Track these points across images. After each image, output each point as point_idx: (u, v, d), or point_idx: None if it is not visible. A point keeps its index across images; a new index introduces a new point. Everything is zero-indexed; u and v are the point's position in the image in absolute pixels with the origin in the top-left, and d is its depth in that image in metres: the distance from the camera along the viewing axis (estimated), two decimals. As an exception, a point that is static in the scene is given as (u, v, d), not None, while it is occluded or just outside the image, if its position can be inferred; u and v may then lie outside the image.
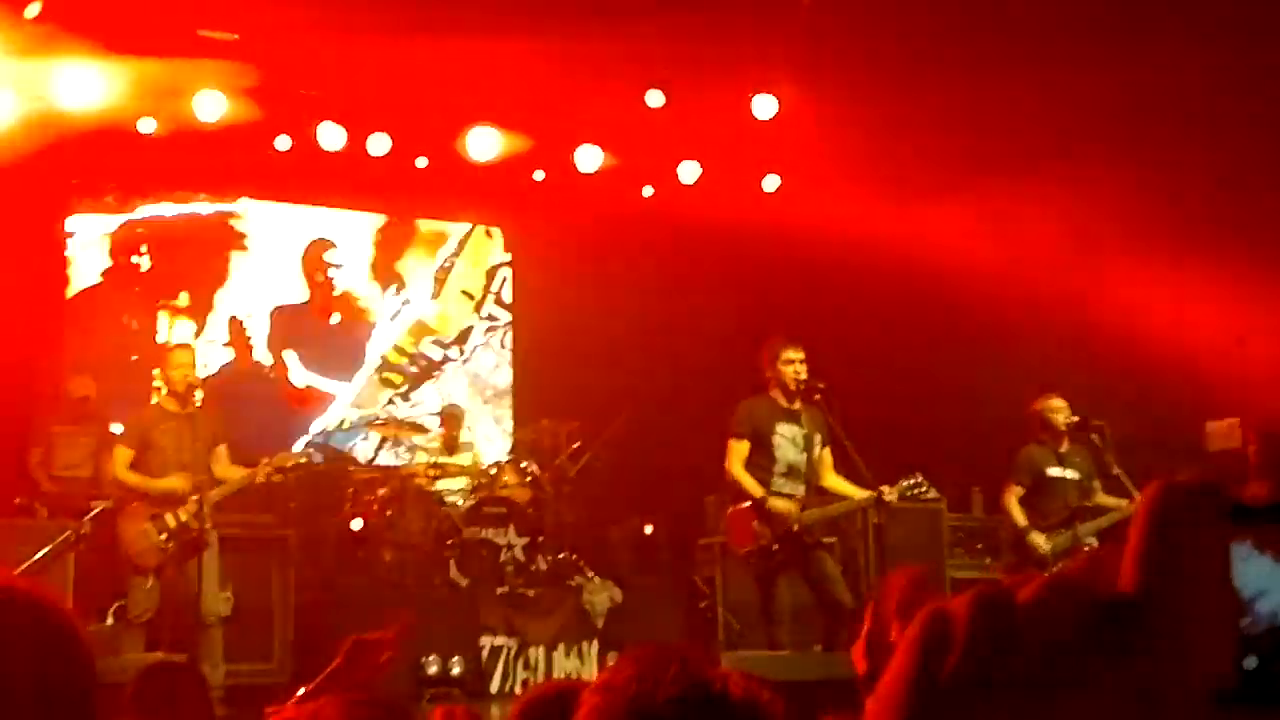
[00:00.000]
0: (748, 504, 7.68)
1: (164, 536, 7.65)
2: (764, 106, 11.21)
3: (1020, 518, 8.37)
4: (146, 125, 10.53)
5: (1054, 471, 8.44)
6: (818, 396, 7.67)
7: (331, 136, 10.93)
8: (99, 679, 1.39)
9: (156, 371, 7.94)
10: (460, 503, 9.35)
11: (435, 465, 9.50)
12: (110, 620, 8.22)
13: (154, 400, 8.10)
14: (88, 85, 9.96)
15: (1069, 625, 0.74)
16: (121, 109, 10.28)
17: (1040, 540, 8.25)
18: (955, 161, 11.16)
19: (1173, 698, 0.69)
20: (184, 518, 7.66)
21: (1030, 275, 10.63)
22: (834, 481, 7.92)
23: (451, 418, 9.90)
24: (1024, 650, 0.72)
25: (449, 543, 9.07)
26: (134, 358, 10.50)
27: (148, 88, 10.28)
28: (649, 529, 10.29)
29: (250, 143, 10.89)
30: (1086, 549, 8.18)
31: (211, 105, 10.41)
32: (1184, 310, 9.42)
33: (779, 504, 7.61)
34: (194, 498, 7.65)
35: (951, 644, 0.74)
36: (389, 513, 9.16)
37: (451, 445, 9.80)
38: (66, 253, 10.88)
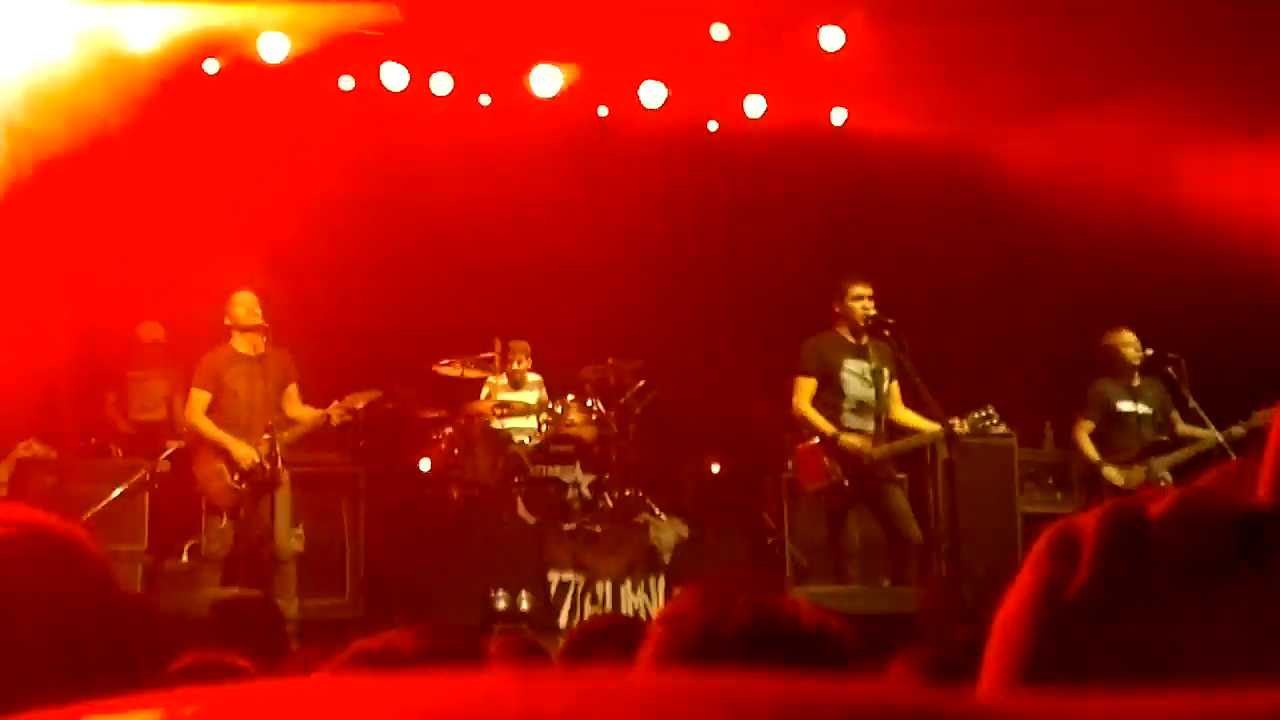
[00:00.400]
0: (817, 440, 7.65)
1: (237, 476, 7.75)
2: (831, 38, 11.04)
3: (1092, 452, 8.28)
4: (210, 67, 10.58)
5: (1125, 406, 8.33)
6: (886, 332, 7.60)
7: (395, 76, 10.93)
8: (162, 614, 1.34)
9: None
10: (527, 441, 9.38)
11: (502, 404, 9.53)
12: (186, 558, 8.37)
13: (225, 342, 8.14)
14: (151, 26, 10.01)
15: (1205, 540, 0.69)
16: (186, 50, 10.33)
17: (1114, 474, 8.16)
18: (1025, 92, 10.96)
19: None
20: (257, 459, 7.75)
21: (1104, 207, 10.46)
22: (904, 415, 7.86)
23: (517, 355, 9.92)
24: (1157, 566, 0.68)
25: (516, 480, 9.12)
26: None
27: (211, 29, 10.33)
28: (716, 468, 10.28)
29: (313, 83, 10.91)
30: (1162, 484, 8.08)
31: (276, 46, 10.45)
32: (1263, 239, 9.22)
33: (850, 440, 7.58)
34: (266, 437, 7.72)
35: (1080, 560, 0.70)
36: (456, 451, 9.21)
37: (518, 383, 9.82)
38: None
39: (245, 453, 7.75)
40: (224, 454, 7.79)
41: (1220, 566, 0.65)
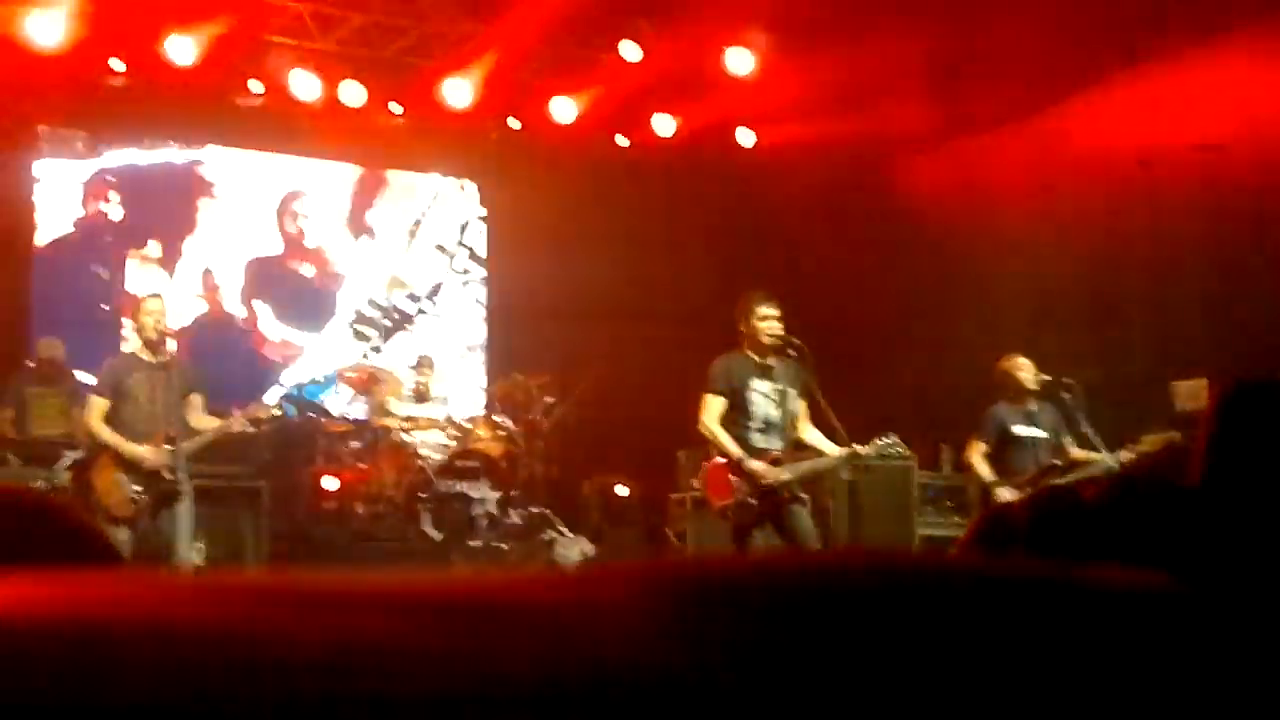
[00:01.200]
0: (723, 459, 7.71)
1: (138, 487, 7.62)
2: (739, 61, 11.19)
3: (986, 472, 8.45)
4: (116, 67, 10.43)
5: (1020, 429, 8.50)
6: (792, 353, 7.68)
7: (305, 85, 10.85)
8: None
9: (128, 321, 7.84)
10: (434, 456, 9.35)
11: (408, 419, 9.49)
12: (83, 570, 8.18)
13: (126, 349, 8.00)
14: (56, 24, 9.85)
15: (1133, 519, 0.75)
16: (91, 50, 10.19)
17: (1006, 494, 8.33)
18: (928, 115, 11.19)
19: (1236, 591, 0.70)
20: (156, 459, 7.62)
21: (998, 233, 10.71)
22: (810, 435, 7.94)
23: (423, 370, 9.88)
24: (1087, 546, 0.74)
25: (422, 496, 9.08)
26: (105, 308, 10.44)
27: (118, 29, 10.19)
28: (622, 489, 10.31)
29: (221, 90, 10.81)
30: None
31: (183, 49, 10.33)
32: (1153, 265, 9.53)
33: (755, 465, 7.64)
34: (167, 448, 7.60)
35: (1012, 541, 0.76)
36: (362, 465, 9.15)
37: (423, 397, 9.79)
38: (34, 199, 10.76)
39: (144, 453, 7.61)
40: (124, 463, 7.65)
41: (1151, 544, 0.71)
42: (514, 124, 11.72)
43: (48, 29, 9.88)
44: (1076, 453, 8.51)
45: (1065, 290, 10.02)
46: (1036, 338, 9.10)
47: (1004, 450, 8.48)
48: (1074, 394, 8.38)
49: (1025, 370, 8.47)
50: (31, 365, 9.49)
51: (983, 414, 8.62)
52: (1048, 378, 8.45)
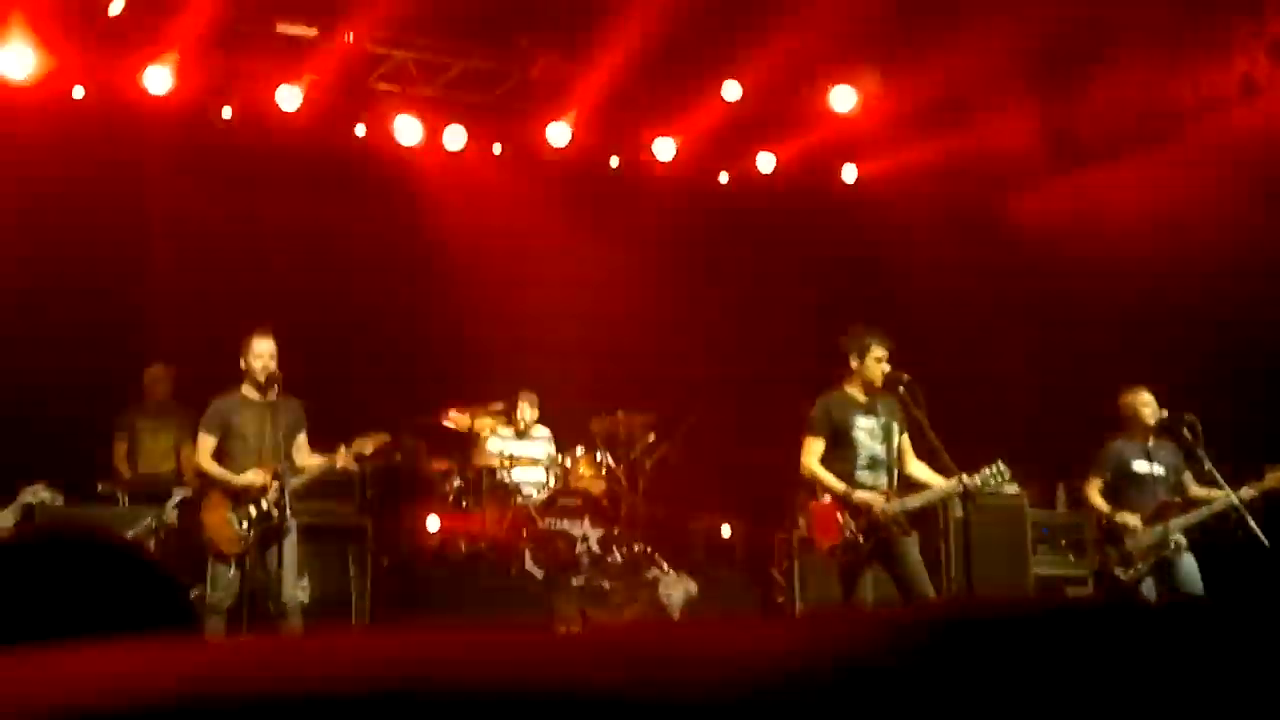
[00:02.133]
0: (830, 497, 7.57)
1: (245, 525, 7.68)
2: (842, 98, 11.11)
3: (1103, 504, 8.20)
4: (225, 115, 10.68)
5: (1140, 467, 8.25)
6: (901, 388, 7.53)
7: (409, 130, 11.00)
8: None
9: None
10: (535, 494, 9.32)
11: (509, 457, 9.48)
12: (191, 607, 8.27)
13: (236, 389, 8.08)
14: (166, 75, 10.11)
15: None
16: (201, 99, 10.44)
17: (1129, 519, 8.05)
18: (1038, 148, 11.01)
19: None
20: (265, 506, 7.68)
21: (1115, 265, 10.45)
22: (916, 470, 7.77)
23: (524, 406, 9.87)
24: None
25: (524, 534, 9.05)
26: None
27: (226, 78, 10.43)
28: (726, 530, 10.19)
29: (326, 132, 10.98)
30: (1175, 545, 7.99)
31: (290, 97, 10.54)
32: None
33: (864, 495, 7.49)
34: (275, 485, 7.66)
35: None
36: (464, 503, 9.14)
37: (524, 434, 9.78)
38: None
39: (252, 477, 7.68)
40: (232, 500, 7.72)
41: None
42: (614, 163, 11.75)
43: (160, 79, 10.14)
44: (1196, 490, 8.22)
45: (1188, 323, 9.70)
46: (1155, 371, 8.81)
47: (1122, 487, 8.23)
48: (1195, 430, 8.10)
49: (1146, 405, 8.22)
50: (152, 391, 9.66)
51: (1099, 450, 8.38)
52: (1167, 413, 8.19)
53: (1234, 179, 9.77)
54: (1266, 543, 7.50)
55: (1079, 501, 8.88)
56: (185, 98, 10.30)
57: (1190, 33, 9.94)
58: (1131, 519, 8.06)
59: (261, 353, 7.89)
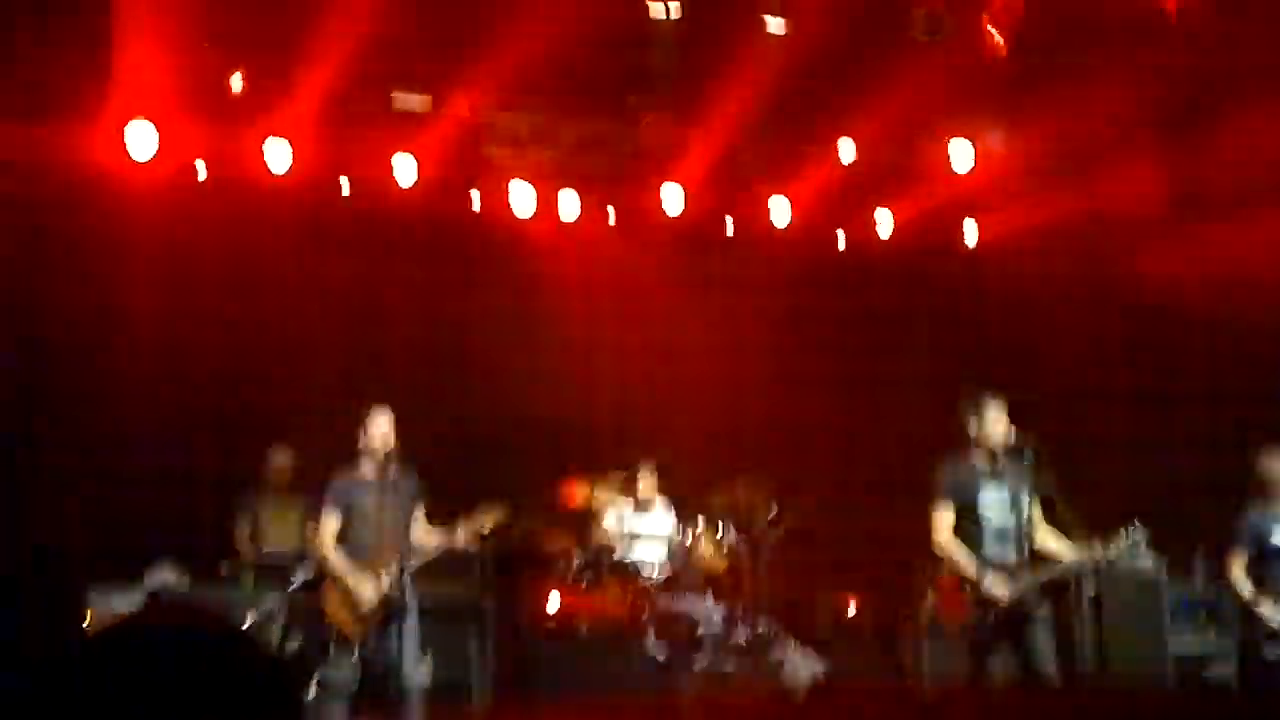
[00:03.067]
0: (958, 575, 7.36)
1: (367, 607, 7.67)
2: (959, 152, 10.93)
3: (1246, 589, 7.85)
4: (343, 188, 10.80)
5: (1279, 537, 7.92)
6: (1028, 456, 7.31)
7: (523, 197, 11.04)
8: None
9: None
10: (656, 572, 9.21)
11: (630, 534, 9.39)
12: (314, 690, 8.28)
13: (355, 466, 8.10)
14: (286, 151, 10.26)
15: None
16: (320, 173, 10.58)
17: (1270, 612, 7.72)
18: (1163, 201, 10.73)
19: None
20: (385, 587, 7.67)
21: (1250, 322, 10.11)
22: (1047, 540, 7.51)
23: (646, 476, 9.79)
24: None
25: (645, 613, 8.94)
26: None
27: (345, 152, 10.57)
28: (853, 607, 9.99)
29: (441, 202, 11.06)
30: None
31: (407, 167, 10.64)
32: None
33: (992, 584, 7.25)
34: (395, 565, 7.65)
35: None
36: (584, 583, 9.07)
37: (647, 507, 9.69)
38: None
39: (368, 591, 7.68)
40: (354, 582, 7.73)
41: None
42: (730, 227, 11.66)
43: (279, 155, 10.29)
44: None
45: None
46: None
47: (1264, 561, 7.89)
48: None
49: (1290, 469, 7.90)
50: (268, 477, 9.77)
51: (1237, 519, 8.05)
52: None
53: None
54: None
55: (1220, 573, 8.54)
56: (304, 173, 10.44)
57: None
58: (1274, 617, 7.71)
59: (379, 428, 7.90)
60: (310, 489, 8.98)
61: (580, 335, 11.12)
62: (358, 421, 7.92)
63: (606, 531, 9.50)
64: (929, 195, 11.28)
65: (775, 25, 8.93)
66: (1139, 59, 9.48)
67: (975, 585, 7.24)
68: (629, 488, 9.66)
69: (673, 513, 9.73)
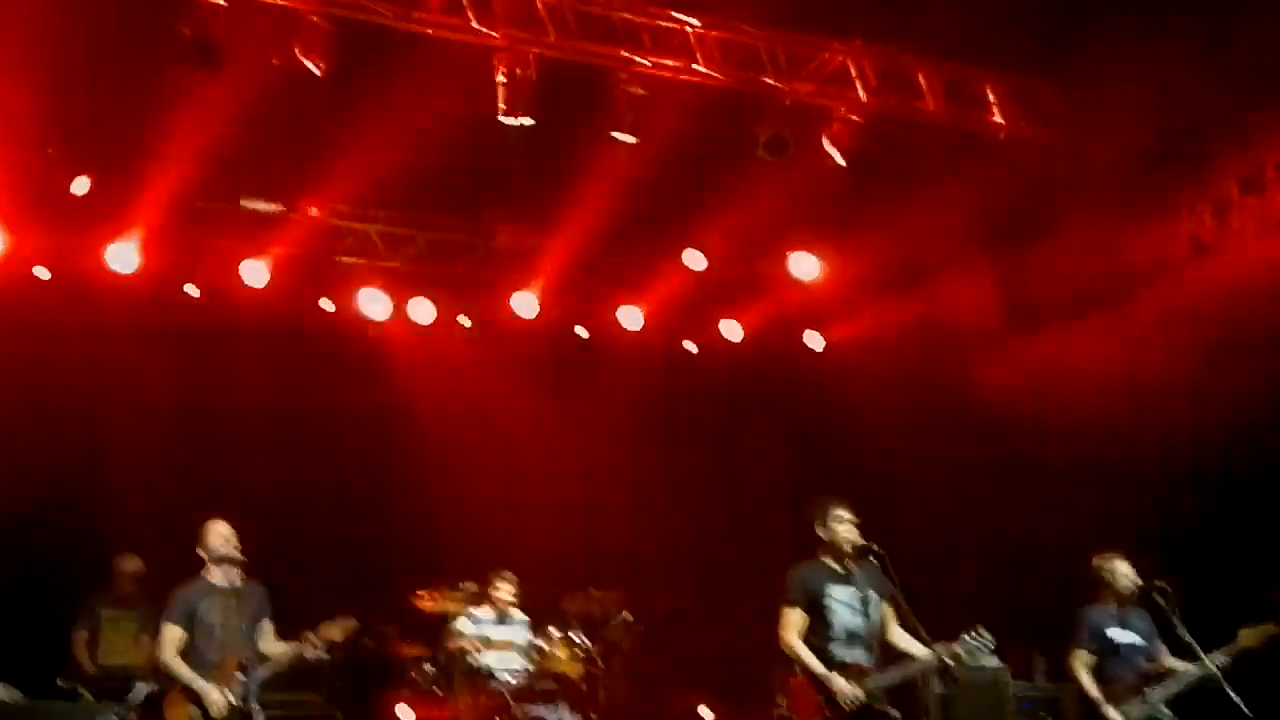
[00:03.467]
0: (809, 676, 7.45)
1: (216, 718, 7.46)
2: (802, 264, 11.26)
3: (1094, 690, 8.07)
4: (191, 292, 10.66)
5: (1115, 634, 8.17)
6: (872, 558, 7.47)
7: (375, 303, 11.03)
8: None
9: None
10: (510, 679, 9.13)
11: (483, 639, 9.31)
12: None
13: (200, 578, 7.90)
14: (131, 253, 10.11)
15: None
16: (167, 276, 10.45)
17: (1115, 716, 7.96)
18: (998, 312, 11.17)
19: None
20: (231, 700, 7.47)
21: (1082, 426, 10.52)
22: (899, 638, 7.64)
23: (504, 585, 9.74)
24: None
25: (498, 720, 8.86)
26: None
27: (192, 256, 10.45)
28: (706, 713, 10.00)
29: (292, 307, 10.98)
30: (1163, 716, 7.92)
31: (256, 272, 10.56)
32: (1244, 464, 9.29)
33: (840, 685, 7.34)
34: (240, 677, 7.47)
35: None
36: (437, 689, 8.94)
37: (503, 616, 9.63)
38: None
39: (217, 699, 7.47)
40: (196, 696, 7.51)
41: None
42: (582, 333, 11.80)
43: (125, 258, 10.14)
44: (1171, 661, 8.14)
45: (1151, 488, 9.75)
46: (1123, 538, 8.81)
47: (1104, 658, 8.13)
48: (1168, 598, 8.05)
49: (1123, 573, 8.18)
50: (112, 585, 9.47)
51: (1076, 619, 8.30)
52: (1142, 581, 8.16)
53: (1188, 338, 9.93)
54: (1248, 713, 7.44)
55: (1057, 672, 8.78)
56: (151, 276, 10.29)
57: (1140, 197, 10.19)
58: (1117, 717, 7.98)
59: (221, 537, 7.75)
60: (152, 599, 8.75)
61: (433, 441, 11.08)
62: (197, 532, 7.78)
63: (460, 638, 9.39)
64: (774, 304, 11.59)
65: (625, 139, 9.18)
66: (969, 174, 9.91)
67: (825, 686, 7.35)
68: (484, 596, 9.59)
69: (527, 620, 9.68)
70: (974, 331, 11.35)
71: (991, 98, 9.76)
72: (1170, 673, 8.07)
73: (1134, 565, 8.19)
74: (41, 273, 10.10)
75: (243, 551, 7.68)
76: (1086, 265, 10.47)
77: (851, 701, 7.27)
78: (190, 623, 7.65)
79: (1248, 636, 7.85)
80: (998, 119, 9.76)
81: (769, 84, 9.20)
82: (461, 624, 9.58)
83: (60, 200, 9.85)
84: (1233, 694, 7.52)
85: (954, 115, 9.61)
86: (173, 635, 7.65)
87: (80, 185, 9.89)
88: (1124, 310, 10.35)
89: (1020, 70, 9.67)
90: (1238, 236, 9.56)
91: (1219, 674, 7.72)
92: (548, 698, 8.94)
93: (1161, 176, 9.98)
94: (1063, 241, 10.50)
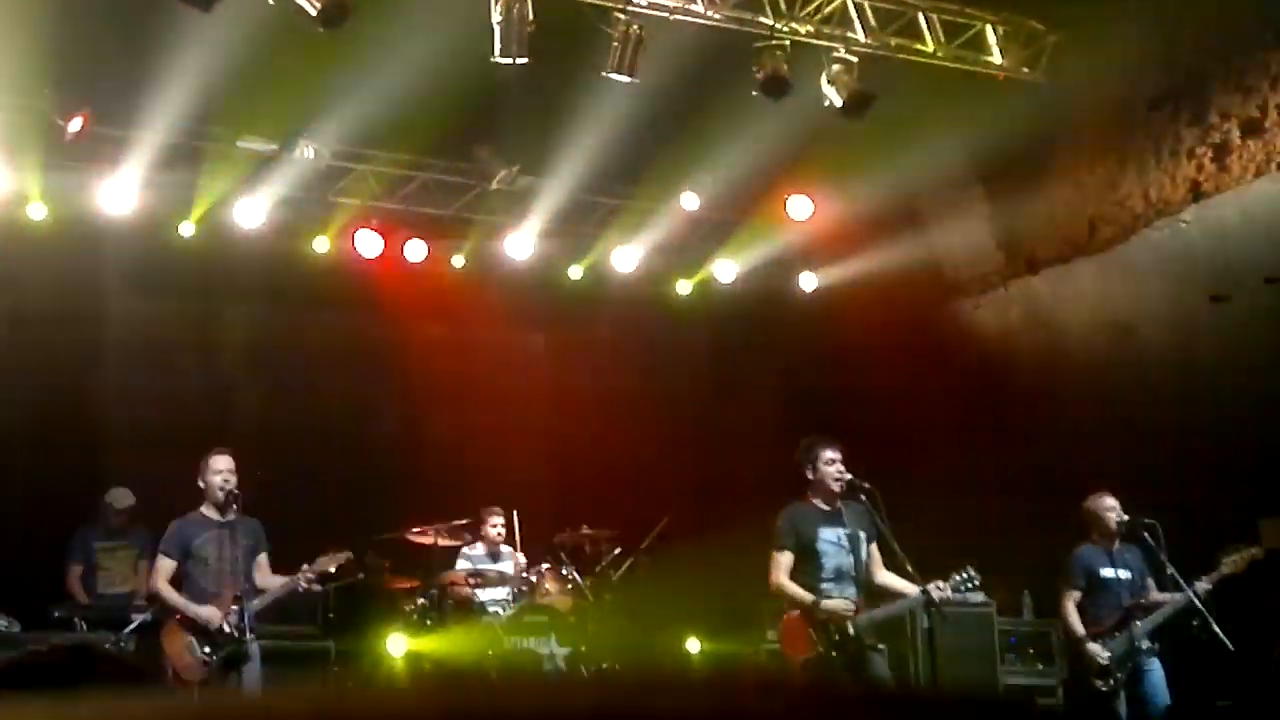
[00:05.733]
0: (799, 611, 7.52)
1: (206, 650, 7.54)
2: (798, 206, 11.25)
3: (1078, 627, 8.16)
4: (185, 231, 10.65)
5: (1107, 572, 8.26)
6: (862, 496, 7.52)
7: (369, 243, 11.03)
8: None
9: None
10: (501, 612, 9.21)
11: (475, 573, 9.38)
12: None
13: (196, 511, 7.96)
14: (128, 192, 10.10)
15: None
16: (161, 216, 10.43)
17: (1098, 650, 8.05)
18: (991, 253, 11.16)
19: None
20: (226, 630, 7.56)
21: (1071, 369, 10.54)
22: (885, 578, 7.71)
23: (496, 520, 9.80)
24: None
25: (490, 652, 8.93)
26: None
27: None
28: (694, 644, 10.08)
29: (291, 247, 10.98)
30: (1144, 649, 8.00)
31: (251, 212, 10.55)
32: (1229, 400, 9.32)
33: (831, 604, 7.43)
34: (234, 608, 7.55)
35: None
36: (429, 622, 9.02)
37: (496, 552, 9.69)
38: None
39: (209, 615, 7.56)
40: (192, 626, 7.59)
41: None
42: (575, 274, 11.80)
43: (120, 197, 10.13)
44: (1157, 595, 8.23)
45: (1142, 428, 9.78)
46: (1112, 476, 8.85)
47: (1092, 594, 8.23)
48: (1156, 534, 8.13)
49: (1111, 510, 8.25)
50: (104, 518, 9.52)
51: (1067, 557, 8.37)
52: (1129, 518, 8.22)
53: (1180, 282, 9.94)
54: (1229, 645, 7.52)
55: (1045, 609, 8.87)
56: (146, 214, 10.28)
57: (1139, 140, 10.16)
58: (1099, 650, 8.05)
59: (220, 470, 7.81)
60: (148, 531, 8.82)
61: (427, 380, 11.11)
62: (198, 465, 7.82)
63: (451, 573, 9.47)
64: (769, 245, 11.58)
65: (621, 79, 9.14)
66: (971, 113, 9.88)
67: (815, 620, 7.42)
68: (476, 530, 9.65)
69: (519, 555, 9.74)
70: (970, 273, 11.35)
71: (992, 39, 9.70)
72: (1156, 605, 8.15)
73: (1122, 501, 8.27)
74: (36, 211, 10.09)
75: (239, 486, 7.74)
76: (1084, 208, 10.46)
77: (844, 614, 7.35)
78: (185, 555, 7.73)
79: (1230, 563, 7.93)
80: (997, 60, 9.70)
81: (767, 24, 9.15)
82: (456, 560, 9.65)
83: (55, 139, 9.82)
84: (1216, 628, 7.60)
85: (953, 56, 9.56)
86: (166, 565, 7.74)
87: (74, 124, 9.86)
88: (1119, 253, 10.35)
89: (1020, 12, 9.62)
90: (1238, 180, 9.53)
91: (1200, 603, 7.80)
92: (538, 630, 9.02)
93: (1161, 120, 9.95)
94: (1060, 184, 10.49)
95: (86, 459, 9.89)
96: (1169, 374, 9.81)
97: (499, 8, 8.77)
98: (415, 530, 9.50)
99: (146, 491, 9.35)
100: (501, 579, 9.46)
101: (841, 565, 7.62)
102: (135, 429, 10.13)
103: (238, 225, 10.59)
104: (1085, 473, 9.05)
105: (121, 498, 9.54)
